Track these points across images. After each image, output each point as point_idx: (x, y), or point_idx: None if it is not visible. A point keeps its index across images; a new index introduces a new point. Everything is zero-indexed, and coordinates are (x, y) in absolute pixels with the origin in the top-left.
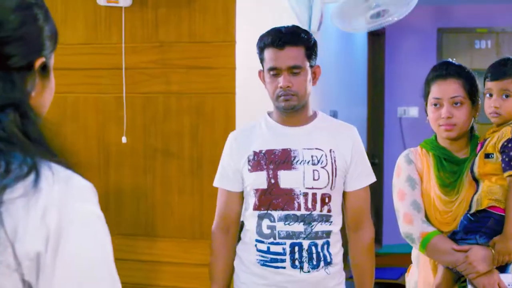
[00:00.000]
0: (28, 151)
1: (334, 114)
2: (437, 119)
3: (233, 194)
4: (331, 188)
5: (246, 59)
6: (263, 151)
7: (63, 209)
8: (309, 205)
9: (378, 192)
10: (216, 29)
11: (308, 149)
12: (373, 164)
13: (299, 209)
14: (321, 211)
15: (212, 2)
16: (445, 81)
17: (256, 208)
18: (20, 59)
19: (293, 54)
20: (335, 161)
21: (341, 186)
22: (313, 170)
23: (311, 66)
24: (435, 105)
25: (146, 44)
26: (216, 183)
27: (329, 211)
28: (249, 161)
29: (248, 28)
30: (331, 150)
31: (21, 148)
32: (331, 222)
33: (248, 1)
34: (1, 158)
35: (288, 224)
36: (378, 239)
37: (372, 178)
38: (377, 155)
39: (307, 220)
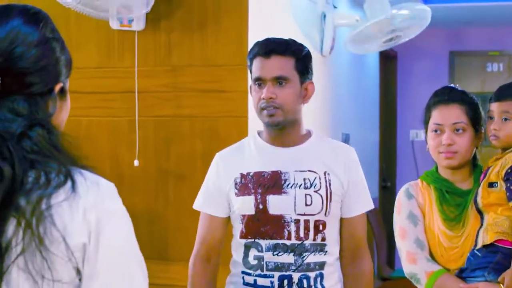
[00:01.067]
0: (60, 161)
1: (346, 138)
2: (437, 146)
3: (216, 220)
4: (325, 214)
5: None
6: (251, 174)
7: (99, 208)
8: (301, 234)
9: (390, 215)
10: (229, 52)
11: (300, 171)
12: (385, 187)
13: (289, 238)
14: (314, 239)
15: (225, 26)
16: (447, 106)
17: (243, 236)
18: (42, 86)
19: (279, 64)
20: (330, 184)
21: (338, 212)
22: (306, 195)
23: (302, 82)
24: (436, 131)
25: (158, 68)
26: (196, 206)
27: (323, 239)
28: (236, 184)
29: None
30: (325, 172)
31: (54, 159)
32: (326, 252)
33: (260, 25)
34: (40, 169)
35: (277, 254)
36: (390, 262)
37: (370, 205)
38: (389, 178)
39: (297, 250)
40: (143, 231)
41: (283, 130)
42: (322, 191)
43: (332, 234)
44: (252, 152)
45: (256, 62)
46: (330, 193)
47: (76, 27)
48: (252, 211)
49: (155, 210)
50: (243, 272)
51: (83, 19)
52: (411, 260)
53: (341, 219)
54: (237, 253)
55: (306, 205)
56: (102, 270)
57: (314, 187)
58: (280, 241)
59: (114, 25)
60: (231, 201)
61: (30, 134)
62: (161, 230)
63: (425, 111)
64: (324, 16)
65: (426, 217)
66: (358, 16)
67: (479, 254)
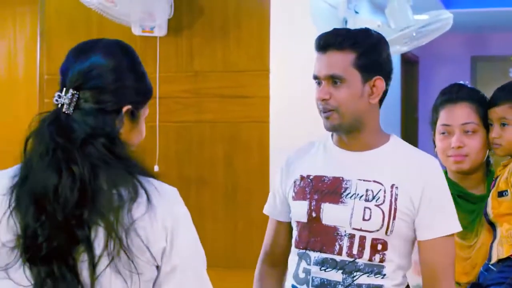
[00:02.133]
0: (126, 169)
1: None
2: (445, 149)
3: (279, 224)
4: (386, 232)
5: (280, 88)
6: (311, 177)
7: (172, 215)
8: (354, 251)
9: None
10: (250, 58)
11: (364, 180)
12: None
13: (339, 253)
14: (370, 260)
15: (247, 31)
16: (455, 105)
17: (297, 245)
18: (112, 105)
19: (334, 60)
20: (396, 199)
21: (407, 232)
22: (365, 208)
23: (366, 79)
24: (443, 133)
25: (180, 74)
26: (264, 209)
27: (382, 261)
28: (294, 186)
29: (282, 57)
30: (393, 185)
31: (116, 167)
32: (384, 275)
33: (282, 31)
34: (112, 185)
35: (324, 270)
36: None
37: (453, 228)
38: None
39: (347, 268)
40: None
41: (349, 134)
42: (385, 206)
43: (395, 257)
44: (318, 154)
45: (316, 57)
46: (395, 209)
47: (98, 33)
48: (304, 218)
49: None
50: (292, 286)
51: (105, 25)
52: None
53: (418, 243)
54: (291, 264)
55: (364, 219)
56: (179, 265)
57: (377, 200)
58: (330, 256)
59: (137, 31)
60: (289, 204)
61: (93, 142)
62: None
63: (432, 112)
64: (346, 22)
65: None
66: (380, 21)
67: (494, 269)
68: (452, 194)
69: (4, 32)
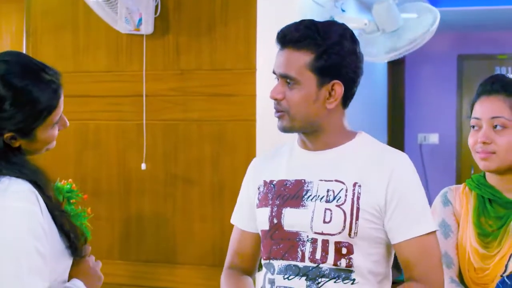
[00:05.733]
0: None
1: None
2: (474, 144)
3: (245, 234)
4: (350, 234)
5: (267, 87)
6: (274, 182)
7: None
8: (317, 256)
9: None
10: (237, 57)
11: (325, 180)
12: None
13: (302, 259)
14: (335, 264)
15: (233, 30)
16: (488, 98)
17: (263, 255)
18: None
19: (289, 60)
20: (358, 198)
21: (377, 234)
22: (325, 209)
23: (322, 83)
24: (473, 127)
25: (167, 72)
26: (231, 219)
27: (349, 265)
28: (259, 193)
29: (269, 56)
30: (355, 183)
31: None
32: (354, 280)
33: (268, 29)
34: None
35: (287, 278)
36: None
37: (427, 227)
38: None
39: (311, 275)
40: (150, 235)
41: (308, 135)
42: (346, 206)
43: (365, 262)
44: (283, 158)
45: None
46: (357, 209)
47: (85, 31)
48: (266, 226)
49: (162, 214)
50: None
51: (92, 23)
52: None
53: (393, 246)
54: (260, 276)
55: (324, 222)
56: None
57: (337, 200)
58: (292, 263)
59: (123, 29)
60: (255, 213)
61: None
62: (168, 234)
63: (470, 105)
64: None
65: (459, 229)
66: (367, 19)
67: (508, 282)
68: (482, 197)
69: None
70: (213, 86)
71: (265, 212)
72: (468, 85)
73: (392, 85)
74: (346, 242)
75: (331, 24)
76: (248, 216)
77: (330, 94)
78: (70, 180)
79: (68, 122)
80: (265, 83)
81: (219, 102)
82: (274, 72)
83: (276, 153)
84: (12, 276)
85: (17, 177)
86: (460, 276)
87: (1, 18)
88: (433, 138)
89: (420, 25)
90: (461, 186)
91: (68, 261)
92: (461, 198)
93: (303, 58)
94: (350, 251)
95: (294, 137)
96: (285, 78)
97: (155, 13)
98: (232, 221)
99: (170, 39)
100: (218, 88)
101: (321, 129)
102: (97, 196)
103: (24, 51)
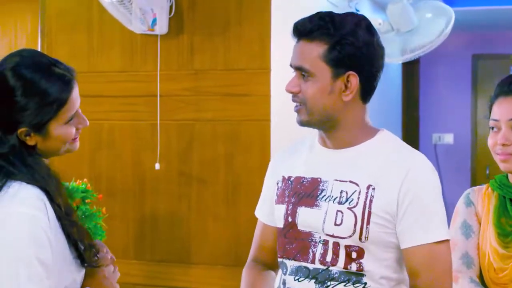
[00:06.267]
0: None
1: None
2: (493, 146)
3: (268, 229)
4: (360, 239)
5: (281, 86)
6: (292, 178)
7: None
8: (327, 258)
9: None
10: (251, 56)
11: (340, 181)
12: None
13: (313, 261)
14: (345, 268)
15: (247, 30)
16: (506, 99)
17: (278, 253)
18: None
19: (303, 52)
20: (371, 202)
21: (389, 239)
22: (337, 211)
23: (337, 74)
24: (492, 128)
25: (181, 72)
26: (255, 211)
27: (360, 269)
28: (277, 189)
29: (283, 56)
30: (369, 186)
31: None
32: (365, 285)
33: (282, 29)
34: None
35: (297, 280)
36: None
37: (439, 235)
38: None
39: (320, 277)
40: (165, 234)
41: (326, 131)
42: (358, 209)
43: (376, 267)
44: (303, 153)
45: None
46: (369, 213)
47: (99, 31)
48: (281, 224)
49: (177, 214)
50: None
51: (107, 23)
52: (453, 278)
53: (402, 251)
54: (278, 274)
55: (336, 224)
56: None
57: (350, 203)
58: (303, 264)
59: (137, 29)
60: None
61: None
62: (183, 234)
63: (488, 106)
64: None
65: (480, 229)
66: (381, 19)
67: None
68: (504, 198)
69: (5, 29)
70: (227, 86)
71: (281, 209)
72: (482, 85)
73: (407, 85)
74: (356, 246)
75: (347, 15)
76: (269, 210)
77: (346, 86)
78: (85, 180)
79: (87, 121)
80: (279, 82)
81: (233, 102)
82: (290, 65)
83: (297, 149)
84: (10, 284)
85: (28, 182)
86: (481, 276)
87: (16, 19)
88: (448, 138)
89: (435, 25)
90: (484, 186)
91: (78, 271)
92: (483, 198)
93: (316, 49)
94: (361, 255)
95: (312, 134)
96: (300, 71)
97: (170, 13)
98: (256, 213)
99: (185, 39)
100: (232, 88)
101: (339, 124)
102: (111, 196)
103: (39, 51)
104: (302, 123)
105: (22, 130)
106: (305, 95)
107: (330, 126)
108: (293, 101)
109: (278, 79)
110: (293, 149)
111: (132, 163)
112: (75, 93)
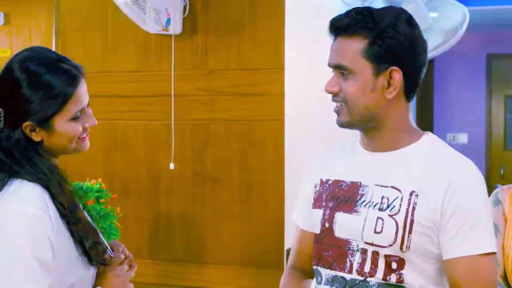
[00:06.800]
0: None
1: None
2: None
3: (305, 234)
4: (401, 248)
5: (295, 86)
6: (330, 181)
7: None
8: (366, 268)
9: None
10: (265, 56)
11: (381, 186)
12: None
13: (350, 271)
14: (384, 279)
15: (261, 29)
16: None
17: (313, 260)
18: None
19: (342, 48)
20: (413, 209)
21: (432, 249)
22: (377, 218)
23: (379, 70)
24: None
25: (195, 72)
26: (293, 215)
27: (400, 281)
28: (314, 192)
29: (297, 55)
30: (412, 192)
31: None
32: None
33: (296, 28)
34: None
35: None
36: None
37: (482, 247)
38: None
39: None
40: (179, 234)
41: (368, 133)
42: (400, 217)
43: (418, 278)
44: (343, 156)
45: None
46: (412, 221)
47: (114, 31)
48: (318, 229)
49: (191, 213)
50: None
51: (121, 23)
52: None
53: (444, 262)
54: (312, 283)
55: (375, 232)
56: None
57: (391, 209)
58: (340, 274)
59: (151, 29)
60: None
61: None
62: (197, 233)
63: None
64: None
65: (506, 229)
66: None
67: None
68: None
69: (20, 29)
70: (241, 86)
71: (318, 214)
72: (497, 85)
73: (421, 84)
74: (396, 256)
75: (385, 8)
76: (305, 214)
77: (388, 82)
78: (99, 179)
79: (95, 120)
80: (293, 82)
81: (247, 102)
82: (329, 65)
83: (337, 151)
84: (6, 284)
85: (30, 180)
86: (505, 277)
87: (31, 18)
88: (462, 138)
89: (449, 25)
90: None
91: (86, 269)
92: (510, 197)
93: (356, 45)
94: (401, 266)
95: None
96: (339, 69)
97: (184, 13)
98: (292, 218)
99: (199, 39)
100: (246, 87)
101: (382, 124)
102: (126, 195)
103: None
104: (342, 124)
105: (27, 124)
106: (345, 94)
107: (373, 127)
108: (333, 101)
109: (292, 79)
110: (332, 151)
111: (146, 163)
112: (82, 89)
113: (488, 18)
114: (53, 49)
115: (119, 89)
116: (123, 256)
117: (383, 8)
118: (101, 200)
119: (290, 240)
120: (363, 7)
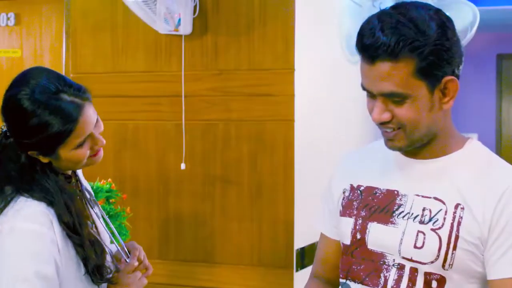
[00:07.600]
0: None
1: None
2: None
3: (328, 241)
4: (443, 266)
5: (306, 86)
6: (362, 188)
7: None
8: (402, 285)
9: None
10: (276, 56)
11: (422, 196)
12: None
13: (384, 287)
14: None
15: (272, 29)
16: None
17: (340, 271)
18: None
19: (388, 74)
20: (459, 224)
21: (476, 268)
22: (418, 232)
23: (434, 85)
24: None
25: (205, 72)
26: (314, 221)
27: None
28: (343, 198)
29: (307, 56)
30: (458, 205)
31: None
32: None
33: (307, 29)
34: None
35: None
36: None
37: None
38: None
39: None
40: (189, 234)
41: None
42: (443, 232)
43: None
44: (376, 160)
45: (360, 64)
46: (456, 237)
47: (124, 31)
48: (348, 240)
49: (201, 214)
50: None
51: (131, 24)
52: None
53: (488, 282)
54: None
55: (416, 247)
56: None
57: (434, 223)
58: None
59: (162, 29)
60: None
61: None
62: (206, 233)
63: None
64: None
65: None
66: None
67: None
68: None
69: (30, 30)
70: (251, 86)
71: (348, 223)
72: (507, 85)
73: None
74: (438, 274)
75: (419, 18)
76: (330, 220)
77: (443, 93)
78: (109, 179)
79: (104, 141)
80: (304, 82)
81: (257, 102)
82: (365, 89)
83: (369, 153)
84: None
85: (36, 199)
86: None
87: (41, 19)
88: None
89: (459, 25)
90: None
91: (92, 285)
92: None
93: (407, 68)
94: (442, 284)
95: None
96: (390, 97)
97: (194, 13)
98: (316, 225)
99: (209, 39)
100: (257, 88)
101: (436, 135)
102: (136, 195)
103: (63, 52)
104: (399, 149)
105: (32, 152)
106: (401, 120)
107: (426, 141)
108: (384, 127)
109: (302, 79)
110: (364, 153)
111: (156, 163)
112: (86, 117)
113: (499, 18)
114: (64, 50)
115: (129, 90)
116: (136, 264)
117: (416, 11)
118: (111, 200)
119: (299, 241)
120: (397, 21)
